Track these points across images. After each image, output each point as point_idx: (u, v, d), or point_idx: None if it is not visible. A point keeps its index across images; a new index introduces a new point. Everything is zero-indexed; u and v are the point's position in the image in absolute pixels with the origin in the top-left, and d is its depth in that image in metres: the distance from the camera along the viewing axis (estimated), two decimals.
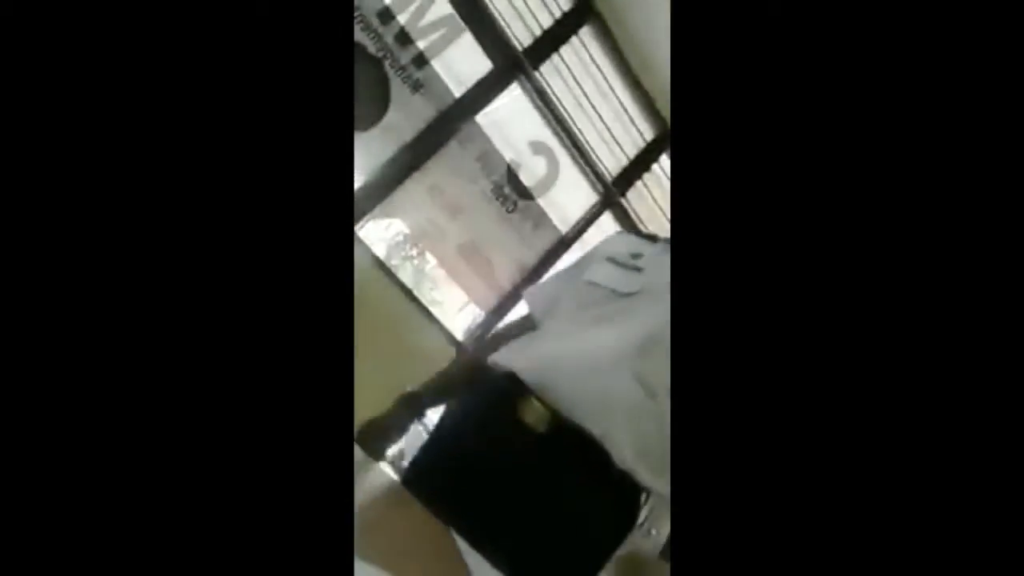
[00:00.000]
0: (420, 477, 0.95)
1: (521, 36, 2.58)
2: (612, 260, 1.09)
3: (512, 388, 0.96)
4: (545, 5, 2.63)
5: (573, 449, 0.94)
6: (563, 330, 1.05)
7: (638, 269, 1.05)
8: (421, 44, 2.41)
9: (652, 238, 1.15)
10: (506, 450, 0.94)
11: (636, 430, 0.94)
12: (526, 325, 1.19)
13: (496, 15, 2.49)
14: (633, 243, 1.13)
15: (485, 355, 1.11)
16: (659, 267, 1.06)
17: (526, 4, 2.58)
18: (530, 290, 1.30)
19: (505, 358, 1.02)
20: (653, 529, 2.24)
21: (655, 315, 1.00)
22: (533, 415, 0.94)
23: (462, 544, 0.78)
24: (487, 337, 1.37)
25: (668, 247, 1.09)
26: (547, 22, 2.64)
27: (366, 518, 0.63)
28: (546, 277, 1.38)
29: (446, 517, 0.89)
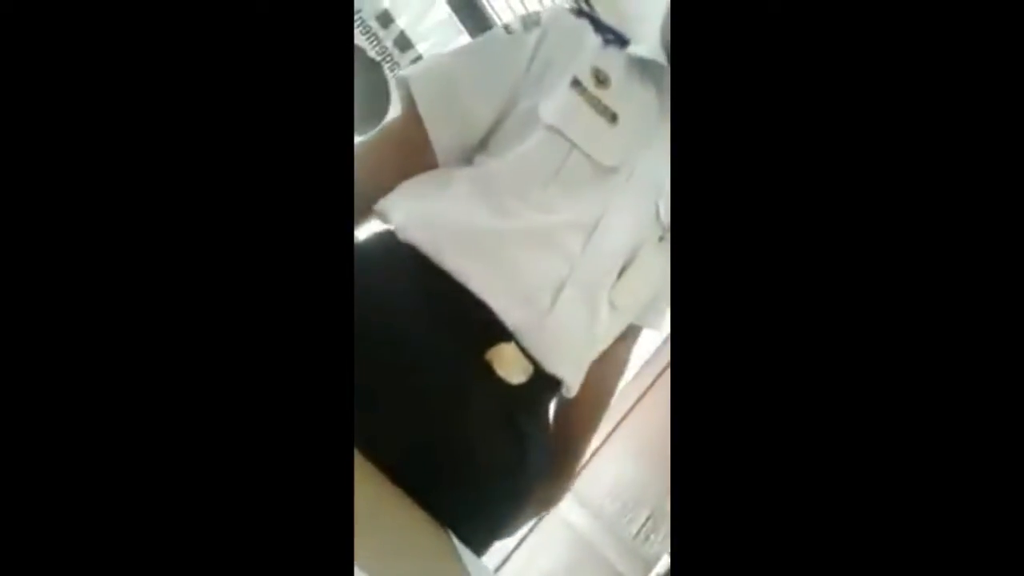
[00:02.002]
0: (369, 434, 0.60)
1: None
2: (577, 84, 0.75)
3: (487, 328, 0.68)
4: (544, 8, 2.63)
5: (542, 399, 0.76)
6: (518, 224, 0.71)
7: (614, 117, 0.75)
8: (421, 48, 2.41)
9: (613, 37, 0.82)
10: (473, 409, 0.68)
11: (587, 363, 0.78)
12: (411, 154, 0.80)
13: (495, 18, 2.49)
14: (594, 49, 0.80)
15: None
16: (635, 115, 0.77)
17: (525, 7, 2.58)
18: (418, 83, 0.79)
19: (453, 263, 0.69)
20: (652, 535, 2.24)
21: (639, 215, 0.76)
22: (511, 367, 0.69)
23: (459, 544, 0.74)
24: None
25: (635, 63, 0.81)
26: None
27: (357, 518, 0.62)
28: (447, 63, 0.82)
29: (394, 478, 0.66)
